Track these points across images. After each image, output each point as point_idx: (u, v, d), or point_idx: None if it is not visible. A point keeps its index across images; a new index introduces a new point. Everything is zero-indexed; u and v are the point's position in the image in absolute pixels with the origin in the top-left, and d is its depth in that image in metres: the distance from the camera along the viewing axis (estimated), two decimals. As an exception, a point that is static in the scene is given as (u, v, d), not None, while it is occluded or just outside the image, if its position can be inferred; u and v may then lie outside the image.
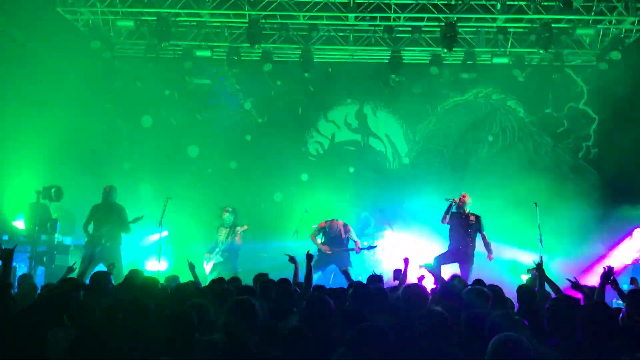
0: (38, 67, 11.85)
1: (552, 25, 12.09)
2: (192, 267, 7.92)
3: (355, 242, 11.10)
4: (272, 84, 14.34)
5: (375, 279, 6.80)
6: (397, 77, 13.94)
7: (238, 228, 10.98)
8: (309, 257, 7.00)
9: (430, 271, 6.79)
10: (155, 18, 12.35)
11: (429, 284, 6.62)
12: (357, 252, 11.08)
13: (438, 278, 6.67)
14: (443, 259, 9.88)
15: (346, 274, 7.77)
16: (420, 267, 7.21)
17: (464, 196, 10.18)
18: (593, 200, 13.02)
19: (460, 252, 9.94)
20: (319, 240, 11.06)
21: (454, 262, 9.97)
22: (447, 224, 10.12)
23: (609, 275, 6.01)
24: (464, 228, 10.00)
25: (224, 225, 11.10)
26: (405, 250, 10.26)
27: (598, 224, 12.29)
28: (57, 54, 12.17)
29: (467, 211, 10.10)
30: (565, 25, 12.34)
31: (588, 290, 6.26)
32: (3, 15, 11.12)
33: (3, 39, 11.39)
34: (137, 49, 13.56)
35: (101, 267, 9.21)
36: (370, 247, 11.70)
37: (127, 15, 12.57)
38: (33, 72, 11.65)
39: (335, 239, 10.98)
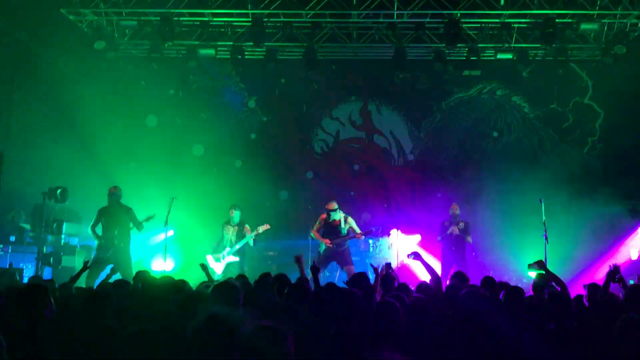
0: (42, 68, 11.93)
1: (556, 20, 12.04)
2: (204, 268, 7.79)
3: (355, 232, 10.62)
4: (276, 82, 14.35)
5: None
6: (401, 74, 13.91)
7: (247, 226, 10.91)
8: (314, 269, 6.91)
9: (419, 259, 6.82)
10: (158, 18, 12.39)
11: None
12: (358, 239, 10.65)
13: (429, 268, 6.68)
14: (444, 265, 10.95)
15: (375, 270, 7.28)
16: (409, 256, 7.17)
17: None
18: (598, 195, 12.96)
19: (448, 256, 11.14)
20: (320, 234, 10.77)
21: (451, 264, 10.87)
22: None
23: (614, 273, 5.97)
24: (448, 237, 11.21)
25: (231, 223, 11.00)
26: (411, 248, 10.34)
27: (604, 219, 12.25)
28: (62, 54, 12.25)
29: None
30: (570, 20, 12.25)
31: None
32: (7, 17, 11.17)
33: (8, 41, 11.45)
34: (141, 48, 13.58)
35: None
36: (369, 232, 10.93)
37: (130, 16, 12.60)
38: (37, 73, 11.72)
39: (334, 230, 10.61)
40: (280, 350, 2.84)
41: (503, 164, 13.43)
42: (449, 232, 11.11)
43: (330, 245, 10.51)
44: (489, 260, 12.33)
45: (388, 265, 7.26)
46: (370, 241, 12.62)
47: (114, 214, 10.09)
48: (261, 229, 10.72)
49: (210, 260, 10.80)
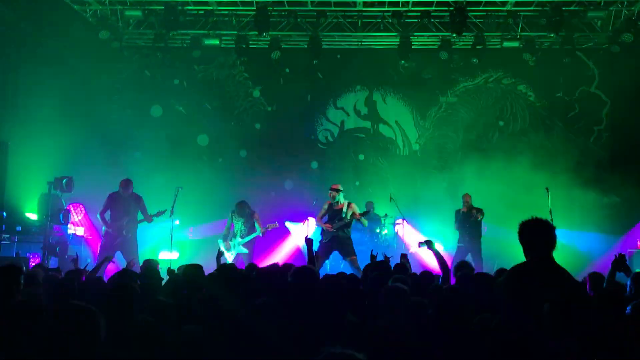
0: (47, 58, 11.89)
1: (563, 8, 11.96)
2: (219, 255, 7.75)
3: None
4: (280, 72, 14.31)
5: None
6: (407, 63, 13.81)
7: (257, 214, 10.81)
8: (308, 241, 6.96)
9: (431, 249, 6.82)
10: (163, 7, 12.36)
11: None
12: (357, 220, 10.41)
13: (439, 258, 6.66)
14: (459, 254, 10.93)
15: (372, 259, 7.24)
16: (420, 245, 7.17)
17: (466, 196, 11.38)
18: (604, 184, 12.90)
19: (463, 245, 11.12)
20: (324, 220, 10.55)
21: (467, 253, 10.91)
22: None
23: (620, 262, 5.94)
24: (462, 223, 11.23)
25: (240, 213, 10.81)
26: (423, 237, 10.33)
27: (611, 208, 12.21)
28: (66, 44, 12.22)
29: (466, 209, 11.23)
30: (576, 8, 12.19)
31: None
32: (12, 6, 11.13)
33: (12, 30, 11.41)
34: (146, 38, 13.59)
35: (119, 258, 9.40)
36: (367, 213, 10.78)
37: (134, 5, 12.60)
38: (42, 63, 11.70)
39: (335, 214, 10.39)
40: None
41: (509, 153, 13.35)
42: (472, 218, 11.09)
43: (332, 230, 10.34)
44: (494, 250, 12.28)
45: (404, 255, 7.29)
46: (377, 230, 12.60)
47: (124, 203, 10.08)
48: (270, 226, 10.74)
49: (220, 246, 10.70)
